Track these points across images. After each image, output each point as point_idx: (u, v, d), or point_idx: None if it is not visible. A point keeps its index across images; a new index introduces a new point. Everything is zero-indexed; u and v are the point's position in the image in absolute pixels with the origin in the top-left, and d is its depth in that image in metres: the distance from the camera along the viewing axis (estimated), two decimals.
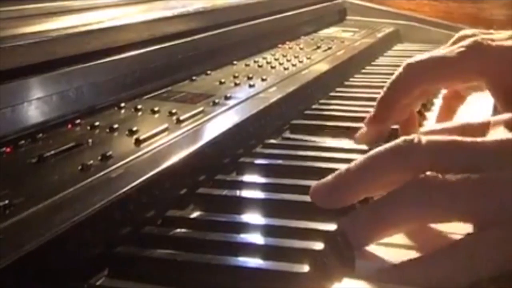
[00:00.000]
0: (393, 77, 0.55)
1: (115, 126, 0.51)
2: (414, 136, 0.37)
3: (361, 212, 0.38)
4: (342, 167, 0.40)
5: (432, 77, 0.54)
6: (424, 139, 0.37)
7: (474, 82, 0.55)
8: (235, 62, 0.82)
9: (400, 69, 0.54)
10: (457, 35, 0.57)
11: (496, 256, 0.33)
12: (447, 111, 0.62)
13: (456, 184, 0.34)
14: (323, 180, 0.40)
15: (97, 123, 0.52)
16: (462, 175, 0.35)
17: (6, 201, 0.35)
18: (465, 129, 0.43)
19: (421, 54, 0.54)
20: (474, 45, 0.51)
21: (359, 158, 0.39)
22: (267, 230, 0.40)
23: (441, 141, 0.37)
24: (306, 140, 0.60)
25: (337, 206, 0.40)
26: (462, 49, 0.51)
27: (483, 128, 0.41)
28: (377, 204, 0.37)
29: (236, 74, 0.74)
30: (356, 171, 0.39)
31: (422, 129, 0.47)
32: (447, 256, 0.34)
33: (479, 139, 0.37)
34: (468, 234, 0.35)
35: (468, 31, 0.56)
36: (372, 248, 0.37)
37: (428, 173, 0.35)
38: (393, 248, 0.37)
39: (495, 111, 0.56)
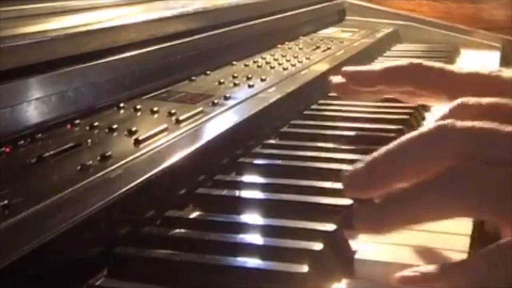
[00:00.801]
0: (399, 65, 0.54)
1: (115, 126, 0.51)
2: (447, 122, 0.35)
3: (388, 199, 0.36)
4: (341, 167, 0.39)
5: (430, 88, 0.53)
6: (459, 125, 0.35)
7: None
8: (234, 62, 0.82)
9: (407, 63, 0.54)
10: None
11: None
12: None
13: (490, 179, 0.33)
14: (356, 167, 0.37)
15: (96, 123, 0.52)
16: (498, 168, 0.33)
17: (6, 201, 0.35)
18: (498, 109, 0.39)
19: (419, 53, 0.53)
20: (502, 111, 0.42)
21: (387, 145, 0.36)
22: (266, 230, 0.40)
23: (477, 128, 0.35)
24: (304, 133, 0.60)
25: (370, 194, 0.37)
26: (486, 102, 0.42)
27: None
28: (405, 194, 0.35)
29: (235, 74, 0.74)
30: (388, 158, 0.36)
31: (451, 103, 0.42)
32: (471, 268, 0.33)
33: None
34: (494, 244, 0.34)
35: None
36: (372, 247, 0.38)
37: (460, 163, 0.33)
38: (392, 246, 0.38)
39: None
